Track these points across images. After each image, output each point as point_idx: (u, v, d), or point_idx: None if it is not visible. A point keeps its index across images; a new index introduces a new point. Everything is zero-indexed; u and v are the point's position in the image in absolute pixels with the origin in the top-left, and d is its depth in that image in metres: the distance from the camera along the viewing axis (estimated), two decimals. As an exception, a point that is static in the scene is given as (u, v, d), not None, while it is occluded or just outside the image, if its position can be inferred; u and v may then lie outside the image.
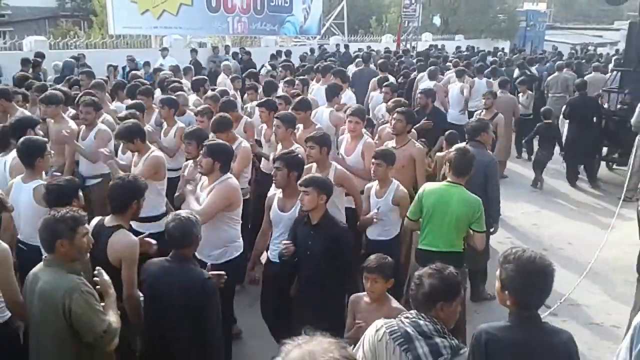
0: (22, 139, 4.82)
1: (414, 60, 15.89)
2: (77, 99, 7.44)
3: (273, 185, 4.99)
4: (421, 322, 2.87)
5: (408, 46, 24.63)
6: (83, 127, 6.61)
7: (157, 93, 9.27)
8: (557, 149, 10.94)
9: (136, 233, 4.24)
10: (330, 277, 4.29)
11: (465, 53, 20.95)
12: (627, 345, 2.89)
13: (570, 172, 11.08)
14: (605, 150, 11.53)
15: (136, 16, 18.23)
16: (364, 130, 6.49)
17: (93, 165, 6.39)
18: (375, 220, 5.22)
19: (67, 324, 3.19)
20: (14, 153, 4.99)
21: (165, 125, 7.11)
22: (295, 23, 23.69)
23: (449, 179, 4.89)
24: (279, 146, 6.17)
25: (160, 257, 3.90)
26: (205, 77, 10.51)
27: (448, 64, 16.01)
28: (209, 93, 8.35)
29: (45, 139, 5.01)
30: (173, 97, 7.48)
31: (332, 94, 8.06)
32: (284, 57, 17.02)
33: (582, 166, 11.19)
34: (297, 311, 4.52)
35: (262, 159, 6.88)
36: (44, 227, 3.32)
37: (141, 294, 3.91)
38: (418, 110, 8.73)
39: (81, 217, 3.39)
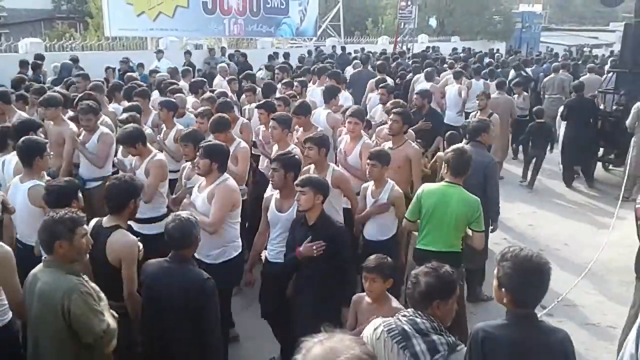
0: (22, 139, 4.85)
1: (410, 62, 15.89)
2: (75, 101, 7.45)
3: (270, 185, 5.01)
4: (418, 320, 2.90)
5: (404, 48, 24.63)
6: (83, 130, 6.61)
7: (155, 95, 9.28)
8: (556, 149, 10.99)
9: (137, 234, 4.26)
10: (328, 277, 4.30)
11: (461, 55, 20.98)
12: (633, 339, 2.92)
13: (566, 173, 11.12)
14: (601, 151, 11.56)
15: (132, 18, 18.20)
16: (362, 131, 6.52)
17: (93, 168, 6.41)
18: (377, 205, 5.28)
19: (66, 324, 3.20)
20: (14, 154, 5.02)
21: (164, 127, 7.10)
22: (292, 25, 23.69)
23: (447, 179, 4.92)
24: (275, 147, 6.20)
25: (160, 257, 3.91)
26: (204, 79, 10.51)
27: (444, 65, 16.03)
28: (206, 94, 8.35)
29: (46, 140, 5.02)
30: (172, 99, 7.48)
31: (330, 95, 8.08)
32: (282, 59, 17.04)
33: (578, 167, 11.23)
34: (296, 311, 4.53)
35: (260, 159, 6.89)
36: (43, 228, 3.32)
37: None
38: (414, 112, 8.75)
39: (80, 218, 3.39)
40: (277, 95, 8.64)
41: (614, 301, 6.57)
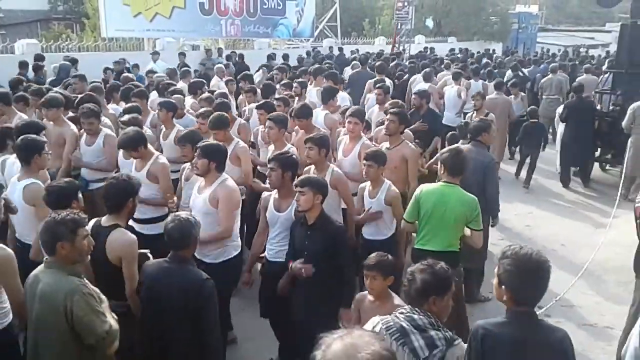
0: (21, 137, 4.86)
1: (407, 63, 15.92)
2: (76, 102, 7.47)
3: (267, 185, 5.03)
4: (415, 316, 2.93)
5: (401, 48, 24.64)
6: (85, 133, 6.61)
7: (153, 96, 9.28)
8: (552, 150, 11.01)
9: (138, 234, 4.27)
10: (327, 276, 4.32)
11: (459, 55, 21.00)
12: (637, 333, 2.98)
13: (564, 174, 11.15)
14: (598, 151, 11.58)
15: (129, 19, 18.15)
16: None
17: (96, 165, 6.44)
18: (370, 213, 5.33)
19: (69, 326, 3.20)
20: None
21: (163, 128, 7.09)
22: (289, 26, 23.69)
23: (444, 179, 4.96)
24: (272, 147, 6.21)
25: (161, 258, 3.93)
26: (203, 80, 10.53)
27: (442, 66, 16.05)
28: (204, 95, 8.38)
29: (45, 139, 5.03)
30: (172, 100, 7.48)
31: (329, 96, 8.09)
32: (280, 60, 17.04)
33: (575, 168, 11.27)
34: (295, 311, 4.55)
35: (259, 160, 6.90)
36: (44, 230, 3.32)
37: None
38: (413, 112, 8.77)
39: (81, 219, 3.40)
40: (277, 95, 8.64)
41: (611, 301, 6.58)
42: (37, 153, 4.76)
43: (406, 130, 6.76)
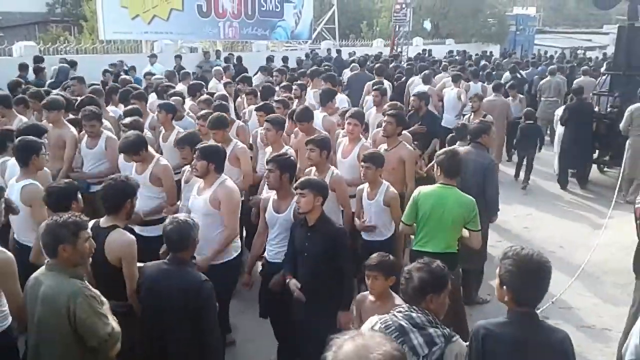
0: (18, 139, 4.87)
1: (405, 65, 15.94)
2: (77, 104, 7.49)
3: (266, 187, 5.07)
4: (414, 314, 2.96)
5: (399, 50, 24.67)
6: (85, 135, 6.62)
7: (152, 98, 9.29)
8: (550, 152, 11.03)
9: (137, 236, 4.29)
10: (328, 277, 4.34)
11: (457, 57, 21.02)
12: (638, 331, 3.03)
13: (562, 176, 11.16)
14: (596, 153, 11.60)
15: (127, 21, 18.14)
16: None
17: (97, 171, 6.45)
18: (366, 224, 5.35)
19: (72, 328, 3.21)
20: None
21: (163, 130, 7.09)
22: (287, 28, 23.70)
23: (440, 181, 4.99)
24: (269, 149, 6.24)
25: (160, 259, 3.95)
26: (202, 83, 10.54)
27: (439, 68, 16.07)
28: (203, 97, 8.39)
29: (42, 141, 5.05)
30: (171, 102, 7.48)
31: (327, 98, 8.11)
32: (279, 63, 17.06)
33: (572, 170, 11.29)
34: (296, 312, 4.57)
35: (257, 161, 6.91)
36: (46, 232, 3.33)
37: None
38: (412, 114, 8.80)
39: (83, 221, 3.42)
40: (276, 98, 8.65)
41: (609, 303, 6.59)
42: (35, 154, 4.79)
43: (404, 132, 6.78)
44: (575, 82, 13.75)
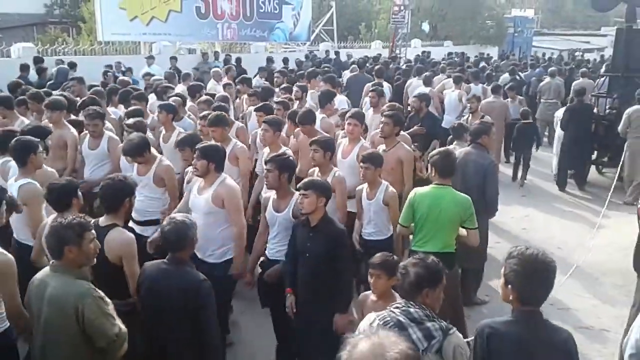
0: (15, 139, 4.87)
1: (404, 66, 15.97)
2: (78, 105, 7.52)
3: (264, 187, 5.11)
4: (411, 309, 2.99)
5: (397, 52, 24.70)
6: (88, 135, 6.63)
7: (151, 99, 9.28)
8: (548, 153, 11.06)
9: (137, 236, 4.33)
10: (328, 278, 4.35)
11: (456, 59, 21.06)
12: (639, 325, 3.07)
13: (562, 177, 11.17)
14: (594, 154, 11.63)
15: (125, 23, 18.13)
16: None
17: (98, 171, 6.46)
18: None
19: (80, 329, 3.22)
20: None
21: (163, 130, 7.08)
22: (285, 29, 23.71)
23: (435, 181, 5.04)
24: (266, 149, 6.27)
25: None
26: (201, 84, 10.55)
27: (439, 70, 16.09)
28: (203, 98, 8.39)
29: (38, 139, 5.04)
30: (171, 103, 7.48)
31: (326, 100, 8.12)
32: (279, 64, 17.08)
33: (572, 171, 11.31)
34: (296, 321, 4.59)
35: (257, 161, 6.93)
36: (51, 234, 3.33)
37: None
38: (412, 115, 8.81)
39: (88, 223, 3.43)
40: (276, 99, 8.66)
41: (607, 304, 6.60)
42: (32, 152, 4.81)
43: (403, 132, 6.80)
44: (574, 84, 13.77)
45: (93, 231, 3.48)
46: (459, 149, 6.90)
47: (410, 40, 28.22)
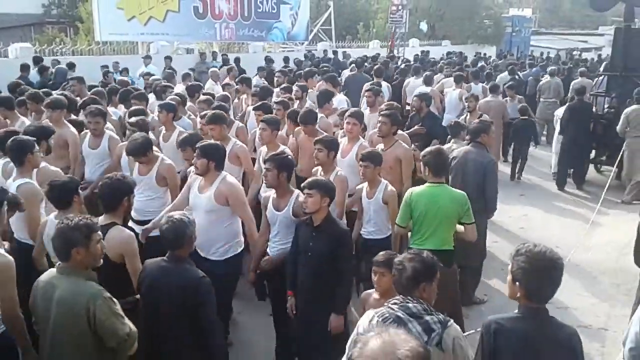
0: (10, 139, 4.86)
1: (403, 66, 15.98)
2: (79, 105, 7.53)
3: (263, 185, 5.18)
4: (410, 304, 3.00)
5: (394, 52, 24.71)
6: (89, 134, 6.63)
7: (150, 99, 9.28)
8: (547, 152, 11.08)
9: (137, 236, 4.38)
10: (330, 278, 4.36)
11: (455, 59, 21.07)
12: (638, 318, 3.13)
13: (562, 176, 11.18)
14: (593, 153, 11.64)
15: (123, 22, 18.10)
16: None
17: (99, 170, 6.48)
18: None
19: (91, 330, 3.23)
20: None
21: (163, 130, 7.08)
22: (283, 29, 23.70)
23: (430, 180, 5.07)
24: (264, 148, 6.30)
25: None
26: (200, 84, 10.56)
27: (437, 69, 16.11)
28: (203, 97, 8.39)
29: (34, 138, 5.03)
30: (172, 102, 7.48)
31: (324, 100, 8.11)
32: (278, 64, 17.08)
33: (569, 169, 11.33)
34: (298, 312, 4.60)
35: (257, 161, 6.93)
36: (58, 236, 3.32)
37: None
38: (413, 115, 8.82)
39: (94, 224, 3.42)
40: (275, 98, 8.66)
41: (606, 303, 6.60)
42: (29, 152, 4.79)
43: (400, 131, 6.80)
44: (573, 82, 13.80)
45: (100, 232, 3.48)
46: (456, 147, 6.92)
47: (408, 40, 28.23)
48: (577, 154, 10.94)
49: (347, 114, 6.58)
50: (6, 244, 4.15)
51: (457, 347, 2.95)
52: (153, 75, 12.76)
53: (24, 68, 12.76)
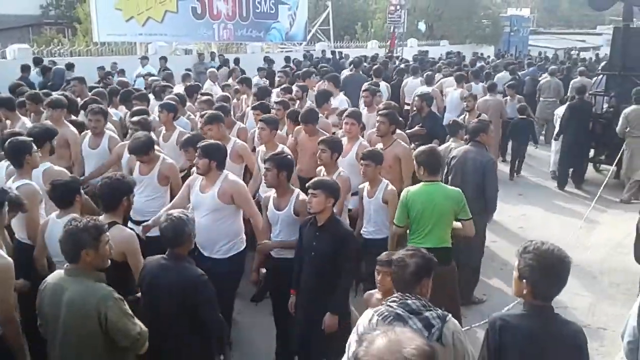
0: (8, 140, 4.86)
1: (403, 66, 15.99)
2: (80, 105, 7.53)
3: (263, 185, 5.20)
4: (409, 301, 3.01)
5: (392, 52, 24.72)
6: (89, 134, 6.63)
7: (151, 99, 9.28)
8: (546, 152, 11.09)
9: (138, 237, 4.34)
10: (333, 278, 4.36)
11: (454, 59, 21.09)
12: (635, 312, 3.17)
13: (562, 176, 11.18)
14: (592, 152, 11.64)
15: (121, 23, 18.11)
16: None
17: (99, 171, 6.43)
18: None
19: (102, 331, 3.23)
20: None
21: (163, 130, 7.07)
22: (281, 29, 23.73)
23: (425, 179, 5.08)
24: (263, 148, 6.32)
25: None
26: (199, 84, 10.54)
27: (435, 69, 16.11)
28: (204, 97, 8.38)
29: (30, 138, 5.02)
30: (172, 102, 7.47)
31: (323, 100, 8.10)
32: (277, 64, 17.09)
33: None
34: (298, 310, 4.62)
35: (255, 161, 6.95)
36: (66, 238, 3.31)
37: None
38: (414, 115, 8.82)
39: (103, 225, 3.43)
40: (275, 99, 8.66)
41: (605, 303, 6.59)
42: (28, 153, 4.78)
43: (398, 130, 6.81)
44: (572, 82, 13.82)
45: (108, 233, 3.47)
46: (455, 147, 6.92)
47: (406, 39, 28.25)
48: (578, 153, 10.94)
49: (344, 114, 6.60)
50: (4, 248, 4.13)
51: (456, 341, 2.96)
52: (153, 75, 12.75)
53: (25, 69, 12.77)
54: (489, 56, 27.18)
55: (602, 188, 9.19)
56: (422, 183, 5.10)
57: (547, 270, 2.88)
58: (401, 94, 12.63)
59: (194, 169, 5.49)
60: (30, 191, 4.59)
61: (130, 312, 3.35)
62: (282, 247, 4.84)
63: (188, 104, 8.87)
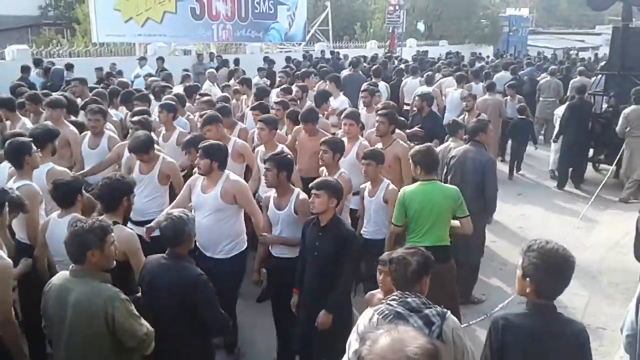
0: (7, 141, 4.86)
1: (402, 66, 16.00)
2: (81, 105, 7.53)
3: (263, 185, 5.22)
4: (409, 299, 3.02)
5: (391, 52, 24.73)
6: (89, 134, 6.63)
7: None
8: (546, 151, 11.10)
9: (138, 237, 4.33)
10: (336, 278, 4.37)
11: (453, 59, 21.10)
12: (633, 307, 3.19)
13: (562, 176, 11.18)
14: (591, 151, 11.65)
15: (120, 24, 18.12)
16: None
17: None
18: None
19: (109, 332, 3.23)
20: None
21: (163, 130, 7.07)
22: (280, 30, 23.73)
23: (422, 178, 5.09)
24: (262, 148, 6.33)
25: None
26: (198, 84, 10.55)
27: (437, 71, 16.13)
28: (204, 98, 8.39)
29: (30, 138, 5.02)
30: (172, 102, 7.48)
31: (321, 100, 8.10)
32: (277, 64, 17.10)
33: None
34: (299, 310, 4.63)
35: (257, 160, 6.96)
36: (72, 239, 3.31)
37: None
38: (414, 114, 8.82)
39: (108, 225, 3.42)
40: (276, 99, 8.67)
41: (604, 302, 6.59)
42: (28, 154, 4.78)
43: (398, 130, 6.81)
44: (572, 81, 13.83)
45: (113, 233, 3.46)
46: (454, 146, 6.92)
47: (405, 40, 28.25)
48: (578, 153, 10.94)
49: (343, 115, 6.62)
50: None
51: (456, 337, 2.98)
52: (153, 75, 12.75)
53: (25, 70, 12.76)
54: (488, 56, 27.16)
55: (600, 187, 9.20)
56: (418, 182, 5.11)
57: (551, 269, 2.88)
58: (400, 94, 12.64)
59: (196, 169, 5.51)
60: (31, 192, 4.58)
61: (136, 312, 3.34)
62: (285, 244, 4.85)
63: (187, 104, 8.87)
